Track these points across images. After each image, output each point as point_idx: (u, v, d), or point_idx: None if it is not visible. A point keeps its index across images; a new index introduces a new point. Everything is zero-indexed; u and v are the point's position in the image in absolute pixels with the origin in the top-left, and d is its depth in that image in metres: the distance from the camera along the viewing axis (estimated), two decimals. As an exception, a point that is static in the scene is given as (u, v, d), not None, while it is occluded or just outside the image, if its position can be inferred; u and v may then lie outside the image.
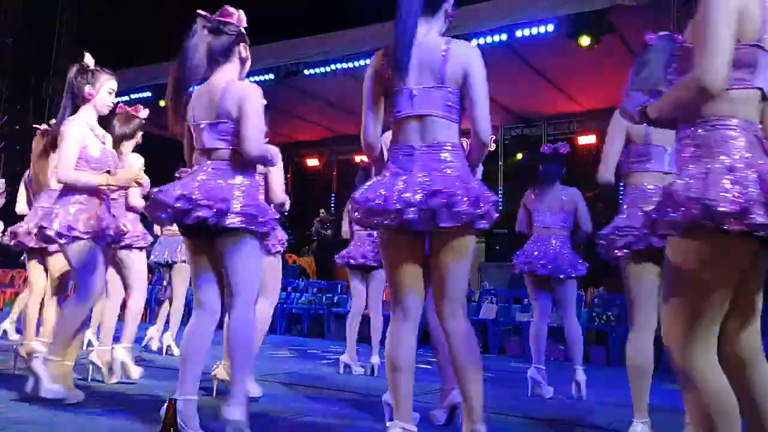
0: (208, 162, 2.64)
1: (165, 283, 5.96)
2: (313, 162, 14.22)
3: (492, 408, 3.57)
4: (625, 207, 2.87)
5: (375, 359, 4.97)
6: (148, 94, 10.30)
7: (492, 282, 9.09)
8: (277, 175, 3.49)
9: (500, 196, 11.54)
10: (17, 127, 12.89)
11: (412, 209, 2.22)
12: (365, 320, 5.21)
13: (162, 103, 10.91)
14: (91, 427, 2.75)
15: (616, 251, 2.79)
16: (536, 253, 4.22)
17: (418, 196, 2.22)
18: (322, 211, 12.11)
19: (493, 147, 3.16)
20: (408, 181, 2.26)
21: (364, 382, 4.53)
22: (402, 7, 2.31)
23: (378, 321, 5.04)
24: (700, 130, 1.71)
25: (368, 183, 2.38)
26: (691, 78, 1.64)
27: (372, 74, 2.42)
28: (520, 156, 11.88)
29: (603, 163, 2.92)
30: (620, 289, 7.86)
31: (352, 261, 5.01)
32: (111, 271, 3.92)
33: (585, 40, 7.73)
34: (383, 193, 2.26)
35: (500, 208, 2.43)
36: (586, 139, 11.32)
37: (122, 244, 3.71)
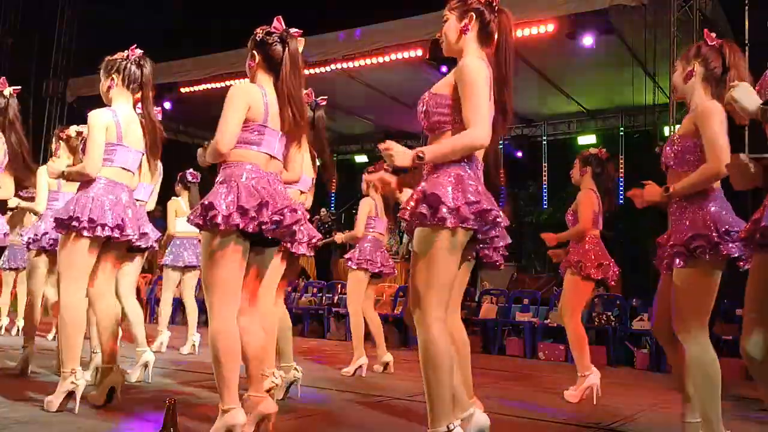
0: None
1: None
2: (312, 162, 14.19)
3: (493, 408, 3.58)
4: (714, 208, 2.59)
5: (388, 357, 4.99)
6: (148, 94, 10.25)
7: (492, 282, 9.07)
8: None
9: (500, 196, 11.34)
10: (17, 126, 12.88)
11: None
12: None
13: (167, 105, 10.90)
14: (92, 426, 2.76)
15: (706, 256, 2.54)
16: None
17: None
18: (322, 210, 12.10)
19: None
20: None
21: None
22: None
23: (378, 320, 5.10)
24: None
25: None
26: None
27: None
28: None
29: (721, 154, 2.51)
30: (619, 290, 7.76)
31: (370, 267, 4.96)
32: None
33: (585, 40, 7.73)
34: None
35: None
36: (586, 139, 11.30)
37: None
